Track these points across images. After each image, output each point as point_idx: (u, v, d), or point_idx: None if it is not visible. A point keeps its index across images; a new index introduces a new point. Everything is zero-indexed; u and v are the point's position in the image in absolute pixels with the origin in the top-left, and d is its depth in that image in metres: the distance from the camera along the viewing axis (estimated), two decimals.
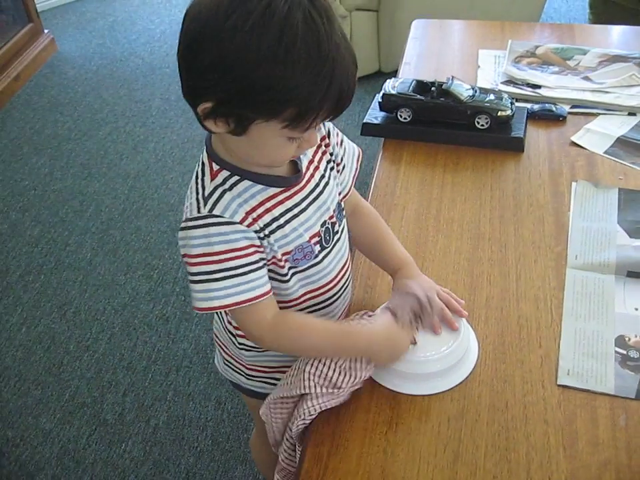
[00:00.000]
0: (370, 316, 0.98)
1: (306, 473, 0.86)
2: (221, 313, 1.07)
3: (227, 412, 1.89)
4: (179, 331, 2.15)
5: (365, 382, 0.94)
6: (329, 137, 0.99)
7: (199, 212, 0.85)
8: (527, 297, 1.09)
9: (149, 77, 3.59)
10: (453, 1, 3.03)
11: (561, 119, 1.52)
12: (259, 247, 0.88)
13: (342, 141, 1.02)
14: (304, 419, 0.92)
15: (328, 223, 0.96)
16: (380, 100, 1.49)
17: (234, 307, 0.87)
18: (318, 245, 0.95)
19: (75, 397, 1.97)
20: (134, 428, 1.88)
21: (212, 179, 0.87)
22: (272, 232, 0.89)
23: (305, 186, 0.93)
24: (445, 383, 0.95)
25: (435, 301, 0.99)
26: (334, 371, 0.91)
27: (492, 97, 1.44)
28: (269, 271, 0.92)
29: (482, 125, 1.43)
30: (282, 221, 0.90)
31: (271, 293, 0.90)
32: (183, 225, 0.87)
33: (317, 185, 0.95)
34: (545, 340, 1.02)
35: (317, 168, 0.96)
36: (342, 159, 1.02)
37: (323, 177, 0.96)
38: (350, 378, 0.91)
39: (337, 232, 0.99)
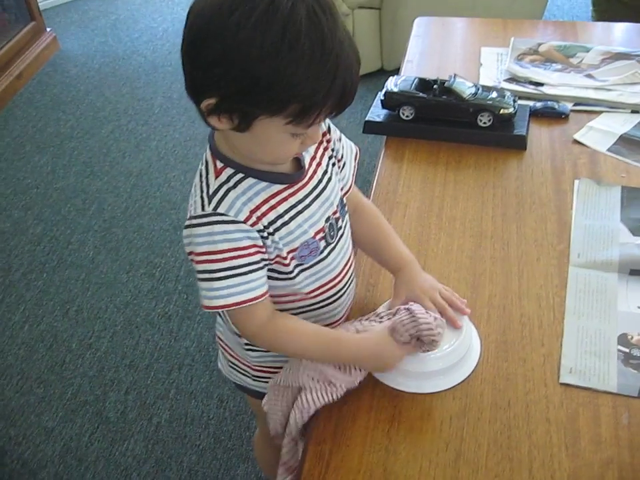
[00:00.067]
0: (378, 315, 0.97)
1: (308, 471, 0.86)
2: (224, 313, 1.07)
3: (229, 410, 1.89)
4: (181, 329, 2.15)
5: (366, 380, 0.93)
6: (329, 133, 0.99)
7: (203, 210, 0.85)
8: (529, 295, 1.09)
9: (152, 75, 3.59)
10: None
11: (563, 116, 1.52)
12: (260, 247, 0.88)
13: (340, 137, 1.02)
14: (301, 412, 0.93)
15: (332, 219, 0.96)
16: (382, 98, 1.49)
17: (234, 307, 0.87)
18: (323, 241, 0.95)
19: (77, 395, 1.97)
20: (136, 426, 1.88)
21: (216, 177, 0.87)
22: (277, 229, 0.89)
23: (308, 182, 0.93)
24: (447, 381, 0.95)
25: (437, 300, 0.99)
26: (329, 366, 0.92)
27: (494, 94, 1.43)
28: (272, 270, 0.93)
29: (484, 123, 1.42)
30: (287, 217, 0.90)
31: (268, 294, 0.91)
32: (187, 222, 0.87)
33: (320, 180, 0.95)
34: (547, 338, 1.02)
35: (319, 164, 0.96)
36: (342, 155, 1.02)
37: (325, 172, 0.96)
38: (344, 376, 0.91)
39: (341, 227, 0.99)
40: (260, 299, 0.88)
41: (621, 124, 1.48)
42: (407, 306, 0.93)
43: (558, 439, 0.88)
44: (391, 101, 1.48)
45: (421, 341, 0.90)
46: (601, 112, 1.53)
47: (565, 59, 1.72)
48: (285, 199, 0.90)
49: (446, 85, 1.44)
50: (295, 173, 0.92)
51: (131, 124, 3.21)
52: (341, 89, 0.77)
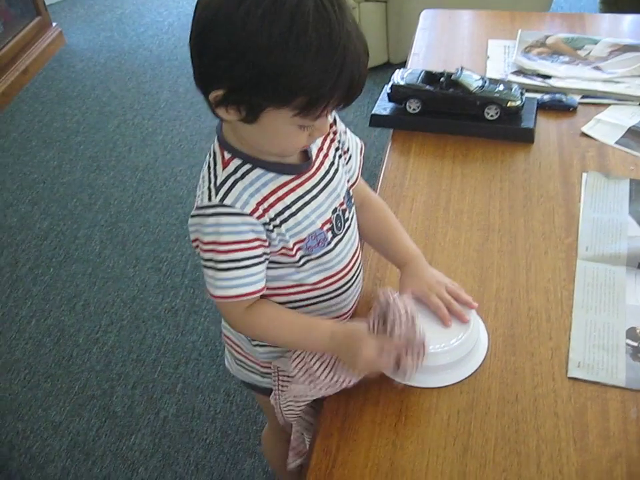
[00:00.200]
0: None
1: (315, 466, 0.86)
2: None
3: (235, 404, 1.90)
4: (188, 323, 2.16)
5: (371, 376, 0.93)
6: (335, 125, 0.99)
7: (210, 200, 0.85)
8: (537, 288, 1.08)
9: (157, 70, 3.59)
10: None
11: (571, 109, 1.51)
12: (263, 241, 0.88)
13: (346, 130, 1.03)
14: (293, 401, 0.95)
15: (339, 210, 0.96)
16: (389, 91, 1.48)
17: (234, 299, 0.88)
18: (330, 232, 0.95)
19: (84, 390, 1.98)
20: (143, 420, 1.88)
21: (224, 168, 0.87)
22: (284, 221, 0.89)
23: (315, 173, 0.93)
24: (455, 376, 0.95)
25: (443, 295, 0.99)
26: (317, 361, 0.93)
27: (501, 87, 1.42)
28: (276, 261, 0.93)
29: (491, 116, 1.41)
30: (294, 208, 0.90)
31: (265, 288, 0.91)
32: (194, 212, 0.87)
33: (327, 172, 0.95)
34: (555, 332, 1.01)
35: (326, 155, 0.96)
36: (348, 147, 1.02)
37: (332, 164, 0.96)
38: (330, 374, 0.91)
39: (347, 219, 0.99)
40: (258, 294, 0.89)
41: (629, 116, 1.47)
42: (385, 296, 0.89)
43: (566, 433, 0.88)
44: (397, 94, 1.47)
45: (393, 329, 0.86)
46: (609, 104, 1.52)
47: (572, 52, 1.71)
48: (292, 190, 0.90)
49: (453, 77, 1.43)
50: (302, 164, 0.92)
51: (137, 118, 3.21)
52: (349, 81, 0.77)
